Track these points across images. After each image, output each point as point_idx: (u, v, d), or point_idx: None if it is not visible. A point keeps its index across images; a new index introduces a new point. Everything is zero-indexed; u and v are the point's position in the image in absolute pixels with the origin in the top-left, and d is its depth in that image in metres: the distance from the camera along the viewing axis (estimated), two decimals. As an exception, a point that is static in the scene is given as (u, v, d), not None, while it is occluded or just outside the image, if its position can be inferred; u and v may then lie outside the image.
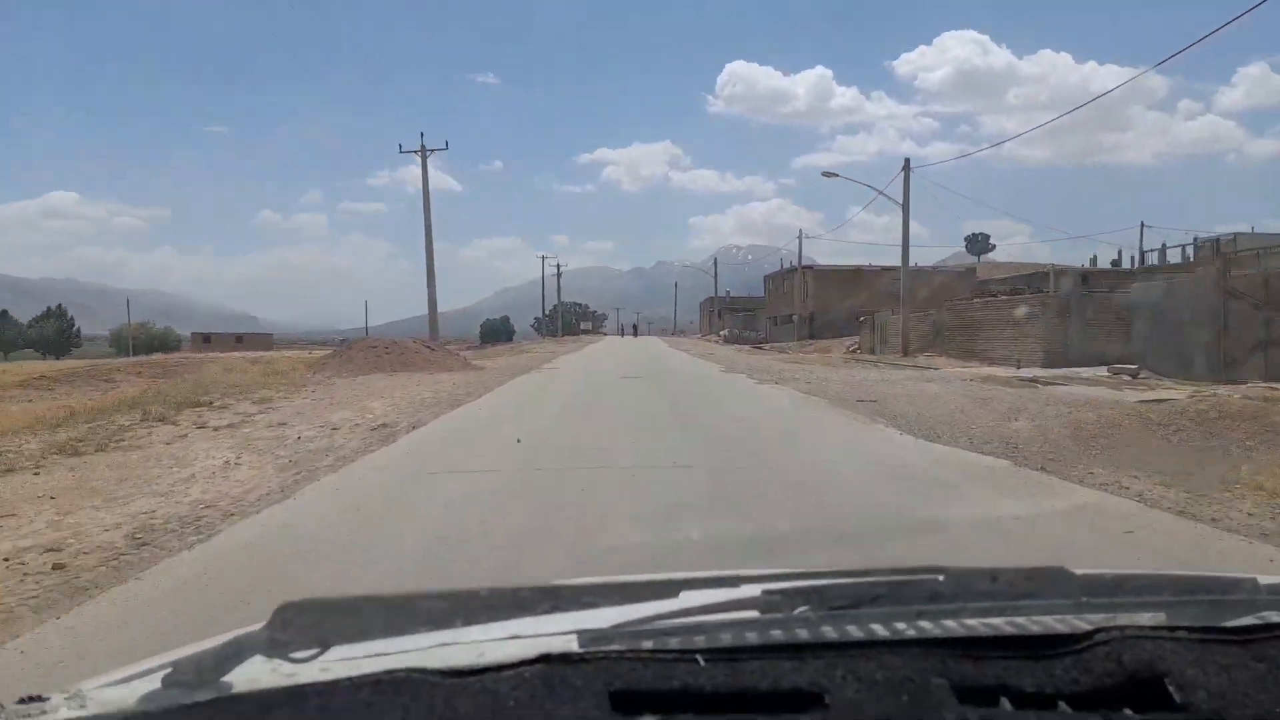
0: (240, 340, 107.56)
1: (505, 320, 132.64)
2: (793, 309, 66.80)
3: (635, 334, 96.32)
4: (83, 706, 0.86)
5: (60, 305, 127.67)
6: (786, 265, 74.18)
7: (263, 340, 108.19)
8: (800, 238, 62.91)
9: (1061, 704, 0.80)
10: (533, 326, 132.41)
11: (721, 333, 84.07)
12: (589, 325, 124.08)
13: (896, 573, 1.19)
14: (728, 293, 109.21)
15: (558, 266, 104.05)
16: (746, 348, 56.98)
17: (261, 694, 0.82)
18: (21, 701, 0.88)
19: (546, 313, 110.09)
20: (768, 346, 56.92)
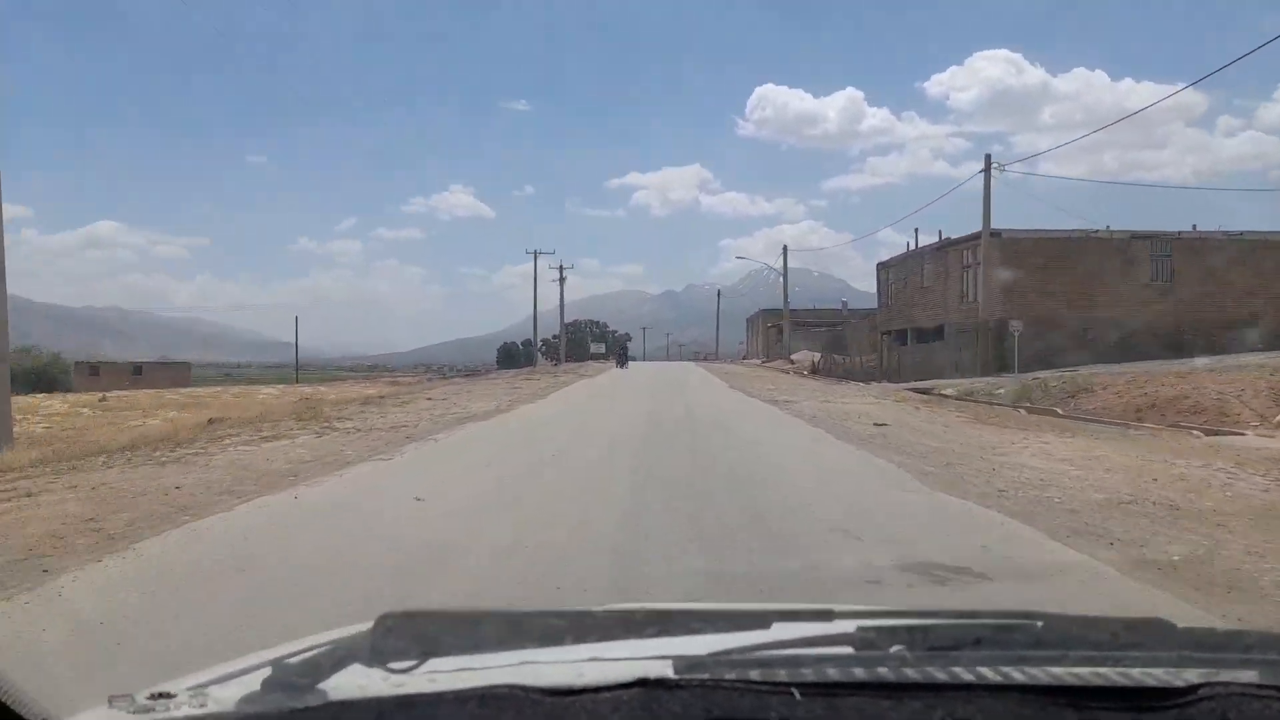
0: (139, 373, 76.55)
1: (527, 344, 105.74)
2: (944, 314, 36.09)
3: (624, 361, 58.37)
4: (203, 705, 0.90)
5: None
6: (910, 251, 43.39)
7: (175, 374, 77.48)
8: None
9: None
10: (540, 351, 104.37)
11: (793, 358, 53.64)
12: (601, 348, 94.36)
13: (996, 616, 1.16)
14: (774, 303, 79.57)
15: (560, 271, 74.33)
16: (891, 392, 26.37)
17: (371, 701, 0.84)
18: (151, 697, 0.91)
19: (555, 335, 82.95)
20: (931, 389, 26.18)
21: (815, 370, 43.58)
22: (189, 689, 0.92)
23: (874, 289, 45.79)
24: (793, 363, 52.70)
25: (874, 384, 31.25)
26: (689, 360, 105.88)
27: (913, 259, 41.17)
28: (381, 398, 24.70)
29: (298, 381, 70.48)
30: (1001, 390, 23.27)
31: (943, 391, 24.54)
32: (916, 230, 41.40)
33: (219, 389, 54.19)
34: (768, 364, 56.23)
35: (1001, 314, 30.85)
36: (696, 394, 25.89)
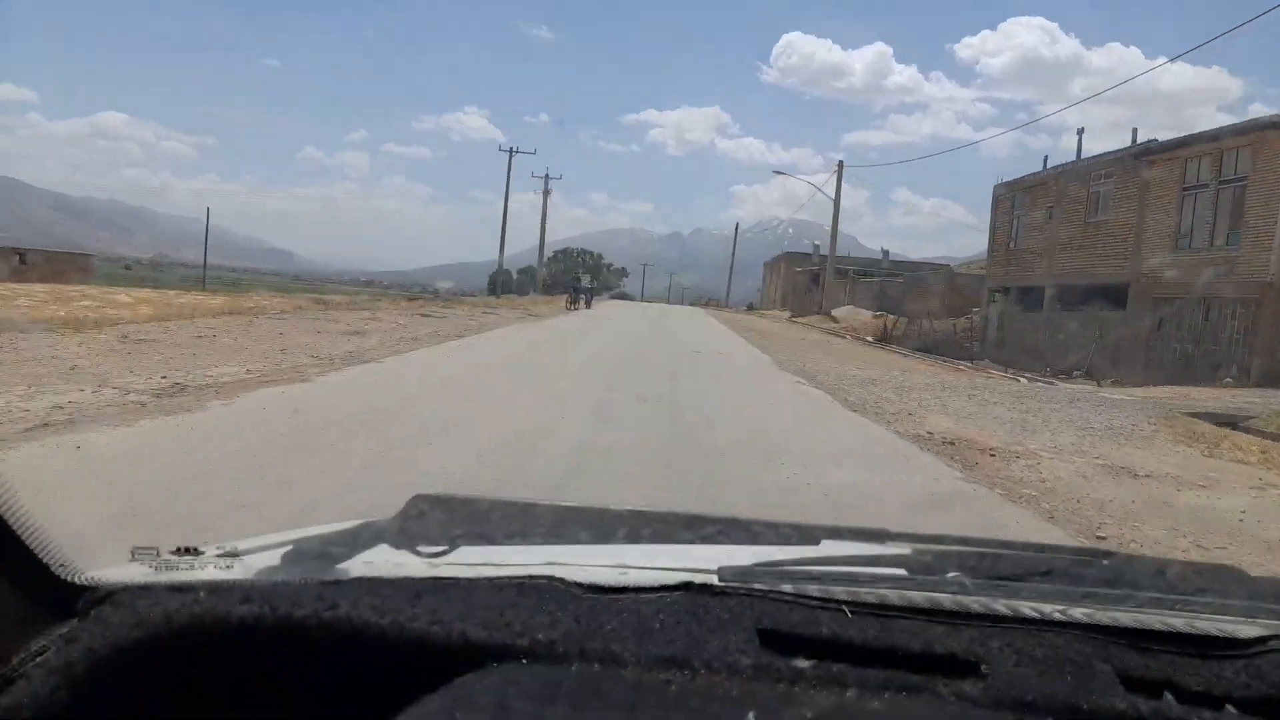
0: (24, 262, 60.68)
1: (528, 271, 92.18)
2: (1129, 265, 21.23)
3: (585, 300, 39.95)
4: (229, 567, 0.87)
5: None
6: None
7: (68, 267, 61.72)
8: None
9: (1229, 706, 0.74)
10: (547, 281, 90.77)
11: (836, 315, 39.16)
12: (590, 283, 79.48)
13: (1060, 551, 1.14)
14: (814, 248, 64.66)
15: (546, 181, 59.44)
16: (1149, 409, 10.96)
17: (405, 580, 0.80)
18: (175, 552, 0.89)
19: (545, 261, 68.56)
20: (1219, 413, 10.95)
21: (885, 337, 28.86)
22: (217, 550, 0.89)
23: (880, 252, 30.63)
24: (834, 320, 38.02)
25: (1017, 374, 16.58)
26: (694, 305, 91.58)
27: (1070, 177, 25.82)
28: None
29: (204, 287, 55.61)
30: None
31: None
32: (1081, 132, 26.22)
33: (106, 288, 41.16)
34: (799, 319, 41.58)
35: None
36: (745, 408, 11.21)
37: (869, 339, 28.25)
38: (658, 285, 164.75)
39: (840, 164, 39.63)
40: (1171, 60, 78.78)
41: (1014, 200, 29.09)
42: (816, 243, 68.91)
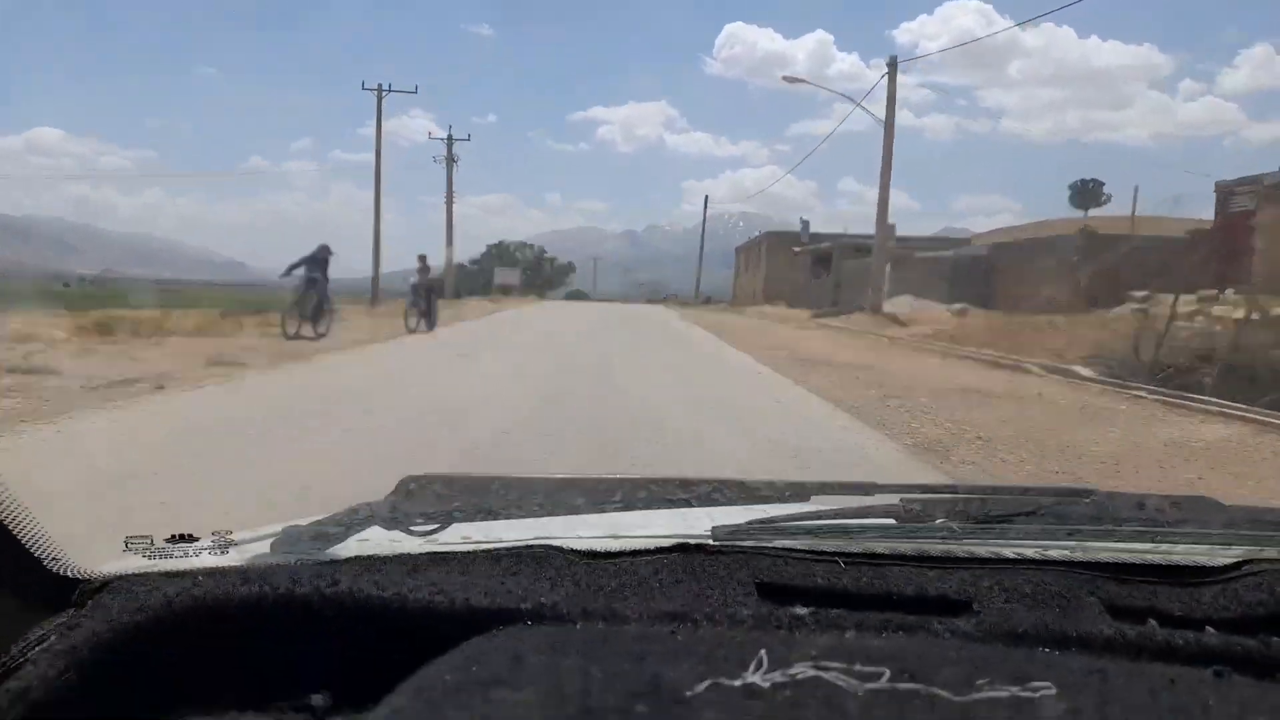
0: None
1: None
2: None
3: (423, 314, 18.19)
4: (224, 552, 0.87)
5: None
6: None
7: None
8: None
9: (1209, 628, 0.76)
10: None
11: (893, 311, 23.44)
12: (513, 276, 63.39)
13: (1042, 493, 1.15)
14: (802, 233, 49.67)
15: (449, 133, 43.88)
16: None
17: (403, 555, 0.80)
18: (170, 540, 0.89)
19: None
20: None
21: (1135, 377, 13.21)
22: (213, 535, 0.89)
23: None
24: (900, 322, 22.56)
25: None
26: (653, 302, 76.39)
27: None
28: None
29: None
30: None
31: None
32: None
33: None
34: (827, 321, 25.99)
35: None
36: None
37: (1045, 373, 12.65)
38: (612, 283, 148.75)
39: (893, 59, 24.17)
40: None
41: None
42: (804, 218, 53.57)
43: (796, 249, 42.37)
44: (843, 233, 52.51)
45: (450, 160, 44.92)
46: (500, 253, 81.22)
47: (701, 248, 59.22)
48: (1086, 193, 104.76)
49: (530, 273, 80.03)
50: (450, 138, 44.87)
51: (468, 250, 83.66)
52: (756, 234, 57.91)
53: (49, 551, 0.76)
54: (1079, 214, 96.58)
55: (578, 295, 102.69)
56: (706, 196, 59.33)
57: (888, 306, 25.70)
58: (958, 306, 25.74)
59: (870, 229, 27.16)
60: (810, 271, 38.45)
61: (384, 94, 36.26)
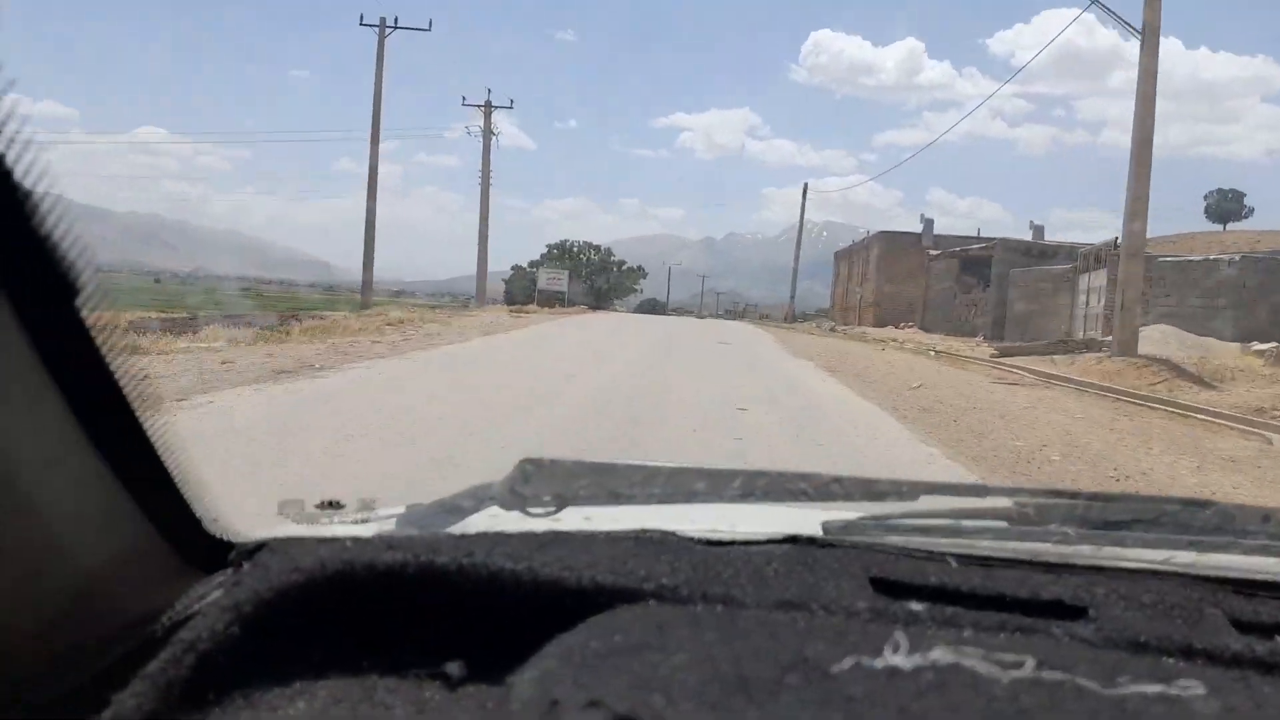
0: None
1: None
2: None
3: None
4: (366, 521, 0.91)
5: None
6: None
7: None
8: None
9: None
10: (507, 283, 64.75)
11: (1154, 342, 12.53)
12: (560, 282, 52.04)
13: (1160, 501, 1.08)
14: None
15: (488, 99, 34.78)
16: None
17: (528, 534, 0.81)
18: (320, 506, 0.94)
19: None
20: None
21: None
22: (359, 503, 0.93)
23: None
24: (1202, 381, 12.03)
25: None
26: (729, 317, 65.71)
27: None
28: None
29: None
30: None
31: None
32: None
33: None
34: (1018, 363, 15.53)
35: None
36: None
37: None
38: (688, 291, 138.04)
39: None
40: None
41: None
42: (927, 215, 42.57)
43: (934, 252, 31.61)
44: (977, 235, 41.32)
45: (488, 133, 35.63)
46: (562, 254, 71.75)
47: (799, 244, 46.98)
48: (1225, 205, 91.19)
49: (593, 277, 70.29)
50: (489, 104, 35.65)
51: (536, 254, 73.80)
52: (864, 234, 46.90)
53: (210, 513, 0.79)
54: (1216, 228, 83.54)
55: (651, 306, 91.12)
56: (806, 184, 46.23)
57: (1147, 334, 15.10)
58: (1267, 347, 14.99)
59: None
60: (956, 283, 27.86)
61: (386, 32, 28.51)
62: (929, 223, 42.38)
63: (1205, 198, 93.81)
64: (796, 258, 46.93)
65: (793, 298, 49.23)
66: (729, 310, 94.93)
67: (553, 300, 45.53)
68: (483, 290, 35.96)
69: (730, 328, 33.13)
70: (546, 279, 50.56)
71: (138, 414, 0.64)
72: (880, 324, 36.64)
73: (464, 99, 34.30)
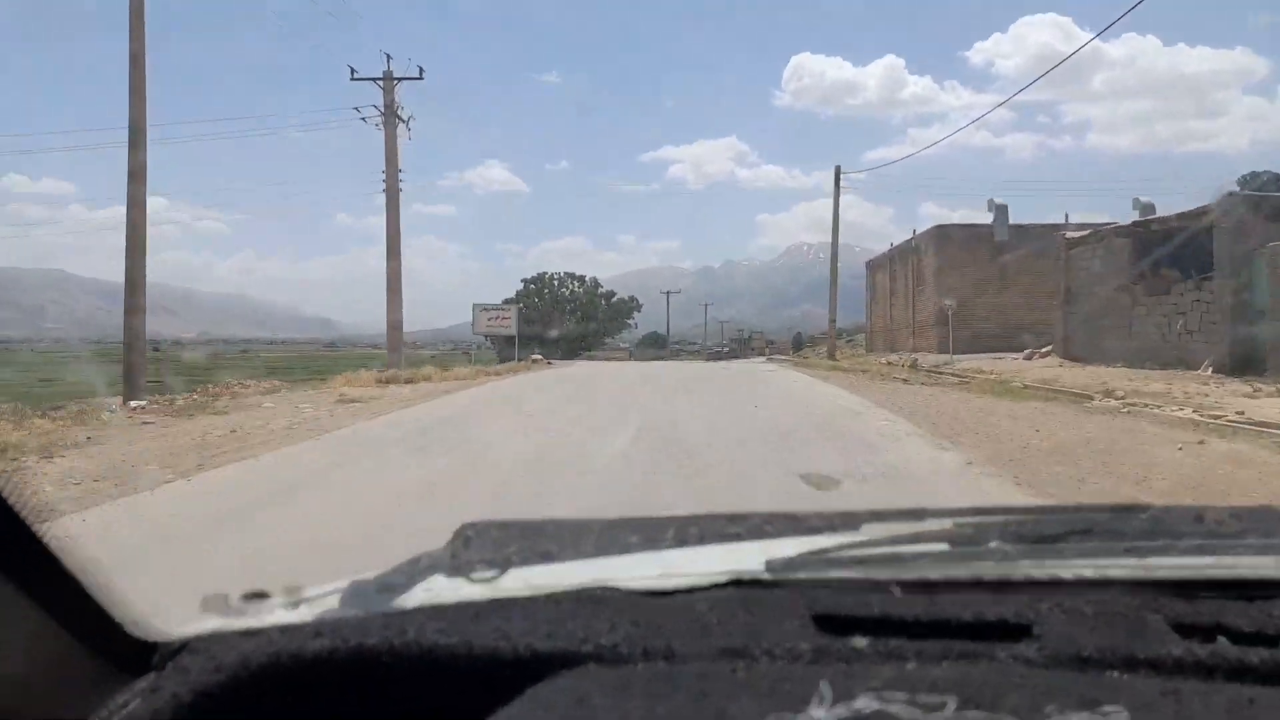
0: None
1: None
2: None
3: None
4: (296, 607, 0.88)
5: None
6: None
7: None
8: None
9: None
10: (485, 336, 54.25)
11: None
12: (502, 328, 38.93)
13: (1096, 510, 1.11)
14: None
15: (387, 68, 23.36)
16: None
17: (465, 604, 0.81)
18: (244, 598, 0.91)
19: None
20: None
21: None
22: (283, 593, 0.90)
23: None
24: None
25: None
26: (735, 349, 55.24)
27: None
28: None
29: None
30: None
31: None
32: None
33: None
34: None
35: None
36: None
37: None
38: (689, 322, 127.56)
39: None
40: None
41: None
42: (1000, 201, 32.08)
43: (1074, 235, 21.08)
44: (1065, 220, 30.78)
45: (391, 113, 25.47)
46: (539, 289, 61.29)
47: (834, 251, 35.75)
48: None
49: (580, 315, 59.72)
50: (388, 74, 25.54)
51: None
52: (915, 233, 36.25)
53: (130, 616, 0.76)
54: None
55: (654, 341, 79.84)
56: (838, 168, 35.43)
57: None
58: None
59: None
60: (1136, 280, 17.32)
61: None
62: (1001, 209, 31.96)
63: (1238, 181, 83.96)
64: (834, 270, 35.60)
65: (832, 321, 37.66)
66: (733, 340, 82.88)
67: (504, 346, 34.49)
68: (396, 341, 25.33)
69: (776, 384, 20.03)
70: (487, 320, 37.33)
71: (33, 530, 0.62)
72: (942, 350, 26.18)
73: (353, 71, 25.96)
